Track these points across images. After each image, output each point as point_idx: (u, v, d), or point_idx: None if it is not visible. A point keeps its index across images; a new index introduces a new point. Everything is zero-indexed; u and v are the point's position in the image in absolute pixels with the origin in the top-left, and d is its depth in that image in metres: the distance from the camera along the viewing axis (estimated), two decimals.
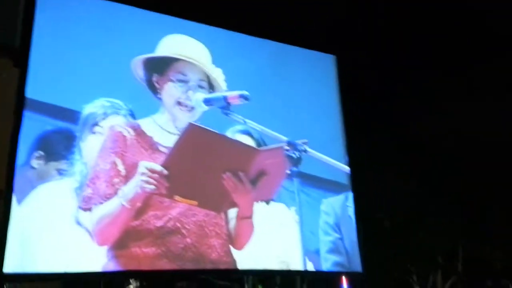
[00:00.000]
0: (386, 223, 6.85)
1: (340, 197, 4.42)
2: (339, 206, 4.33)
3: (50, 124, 3.43)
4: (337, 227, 4.22)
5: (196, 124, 3.00)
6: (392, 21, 5.43)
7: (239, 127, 3.75)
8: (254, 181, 2.89)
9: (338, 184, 4.45)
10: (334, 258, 4.13)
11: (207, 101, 3.21)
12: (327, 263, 4.11)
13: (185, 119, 3.23)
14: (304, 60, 4.82)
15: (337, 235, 4.20)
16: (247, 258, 3.50)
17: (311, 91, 4.72)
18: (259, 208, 3.21)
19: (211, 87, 3.36)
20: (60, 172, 3.34)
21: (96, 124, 3.40)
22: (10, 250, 3.05)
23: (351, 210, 4.42)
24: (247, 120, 3.19)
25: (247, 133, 3.81)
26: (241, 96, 3.08)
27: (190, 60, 3.29)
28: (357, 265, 4.30)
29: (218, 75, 3.42)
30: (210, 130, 3.06)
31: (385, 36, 5.50)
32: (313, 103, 4.68)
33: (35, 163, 3.31)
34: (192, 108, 3.24)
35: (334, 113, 4.82)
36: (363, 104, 5.29)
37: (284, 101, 4.48)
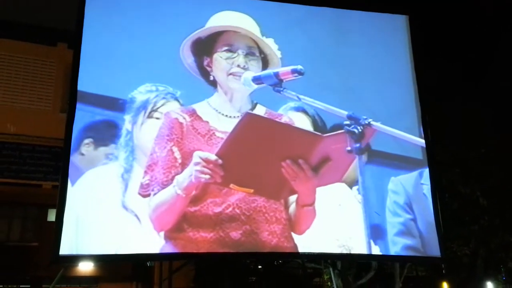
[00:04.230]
0: (482, 200, 6.18)
1: (413, 175, 3.97)
2: (411, 185, 3.90)
3: (98, 113, 3.50)
4: (408, 207, 3.81)
5: (253, 113, 2.95)
6: None
7: (292, 104, 3.52)
8: (316, 168, 2.73)
9: (411, 160, 4.01)
10: (404, 241, 3.73)
11: (256, 79, 3.03)
12: (396, 247, 3.74)
13: (241, 90, 3.12)
14: (368, 24, 4.39)
15: (408, 216, 3.80)
16: (307, 242, 3.30)
17: (377, 58, 4.27)
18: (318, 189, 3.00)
19: (262, 54, 3.18)
20: (108, 157, 3.42)
21: (153, 110, 3.41)
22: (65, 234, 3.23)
23: (426, 188, 3.96)
24: (301, 96, 2.97)
25: (301, 110, 3.58)
26: (295, 71, 2.88)
27: (235, 29, 3.15)
28: (434, 249, 3.85)
29: (269, 42, 3.22)
30: (268, 119, 3.02)
31: None
32: (379, 71, 4.23)
33: (84, 150, 3.45)
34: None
35: (405, 80, 4.32)
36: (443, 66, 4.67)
37: (345, 73, 4.12)
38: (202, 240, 3.02)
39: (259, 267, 9.63)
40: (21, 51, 9.44)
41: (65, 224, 3.26)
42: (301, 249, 3.29)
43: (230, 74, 3.12)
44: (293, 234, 3.14)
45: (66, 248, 3.23)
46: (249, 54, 3.13)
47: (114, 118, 3.48)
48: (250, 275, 10.00)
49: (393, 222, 3.77)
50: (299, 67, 2.86)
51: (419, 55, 4.37)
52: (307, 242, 3.30)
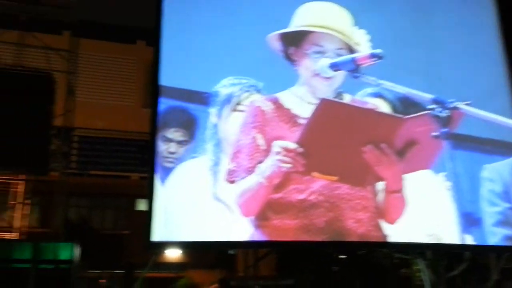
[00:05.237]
0: None
1: (509, 161, 3.71)
2: (508, 171, 3.63)
3: (181, 107, 3.61)
4: (506, 196, 3.56)
5: (329, 99, 2.91)
6: None
7: (370, 89, 3.39)
8: (401, 152, 2.66)
9: (505, 144, 3.73)
10: (504, 231, 3.51)
11: (333, 66, 2.96)
12: (495, 237, 3.52)
13: (325, 88, 3.08)
14: (451, 3, 4.13)
15: (506, 205, 3.54)
16: (395, 231, 3.17)
17: (461, 37, 4.03)
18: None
19: (353, 53, 3.06)
20: (193, 151, 3.51)
21: (237, 103, 3.45)
22: (156, 223, 3.38)
23: None
24: (380, 81, 2.86)
25: (379, 95, 3.43)
26: (373, 56, 2.77)
27: (326, 31, 3.07)
28: None
29: (360, 38, 3.13)
30: (344, 103, 2.98)
31: None
32: (464, 51, 3.99)
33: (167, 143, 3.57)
34: (331, 78, 3.04)
35: (494, 59, 4.04)
36: None
37: (428, 55, 3.91)
38: (287, 228, 3.05)
39: (342, 256, 9.46)
40: (104, 50, 10.02)
41: (156, 214, 3.39)
42: (389, 238, 3.18)
43: (316, 74, 3.08)
44: (382, 223, 3.06)
45: (157, 235, 3.37)
46: (337, 55, 3.06)
47: (198, 111, 3.57)
48: (333, 264, 9.86)
49: (490, 212, 3.56)
50: (378, 51, 2.76)
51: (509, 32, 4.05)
52: (395, 231, 3.18)
